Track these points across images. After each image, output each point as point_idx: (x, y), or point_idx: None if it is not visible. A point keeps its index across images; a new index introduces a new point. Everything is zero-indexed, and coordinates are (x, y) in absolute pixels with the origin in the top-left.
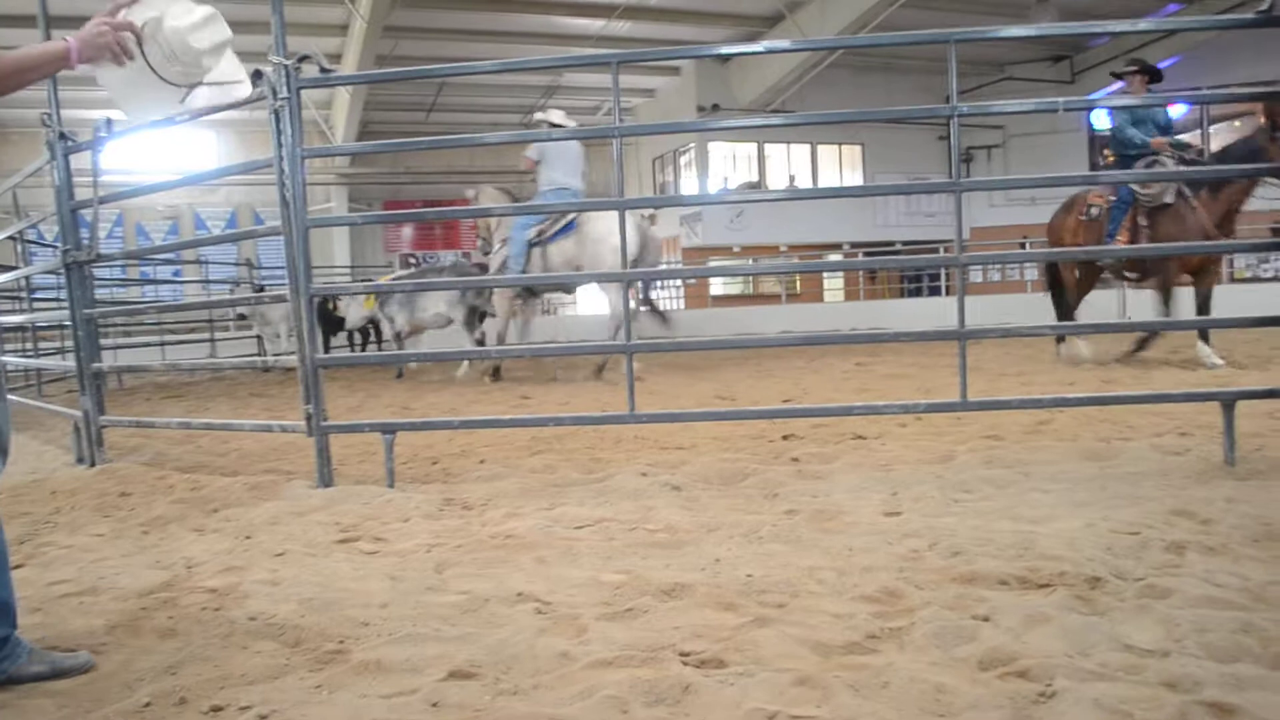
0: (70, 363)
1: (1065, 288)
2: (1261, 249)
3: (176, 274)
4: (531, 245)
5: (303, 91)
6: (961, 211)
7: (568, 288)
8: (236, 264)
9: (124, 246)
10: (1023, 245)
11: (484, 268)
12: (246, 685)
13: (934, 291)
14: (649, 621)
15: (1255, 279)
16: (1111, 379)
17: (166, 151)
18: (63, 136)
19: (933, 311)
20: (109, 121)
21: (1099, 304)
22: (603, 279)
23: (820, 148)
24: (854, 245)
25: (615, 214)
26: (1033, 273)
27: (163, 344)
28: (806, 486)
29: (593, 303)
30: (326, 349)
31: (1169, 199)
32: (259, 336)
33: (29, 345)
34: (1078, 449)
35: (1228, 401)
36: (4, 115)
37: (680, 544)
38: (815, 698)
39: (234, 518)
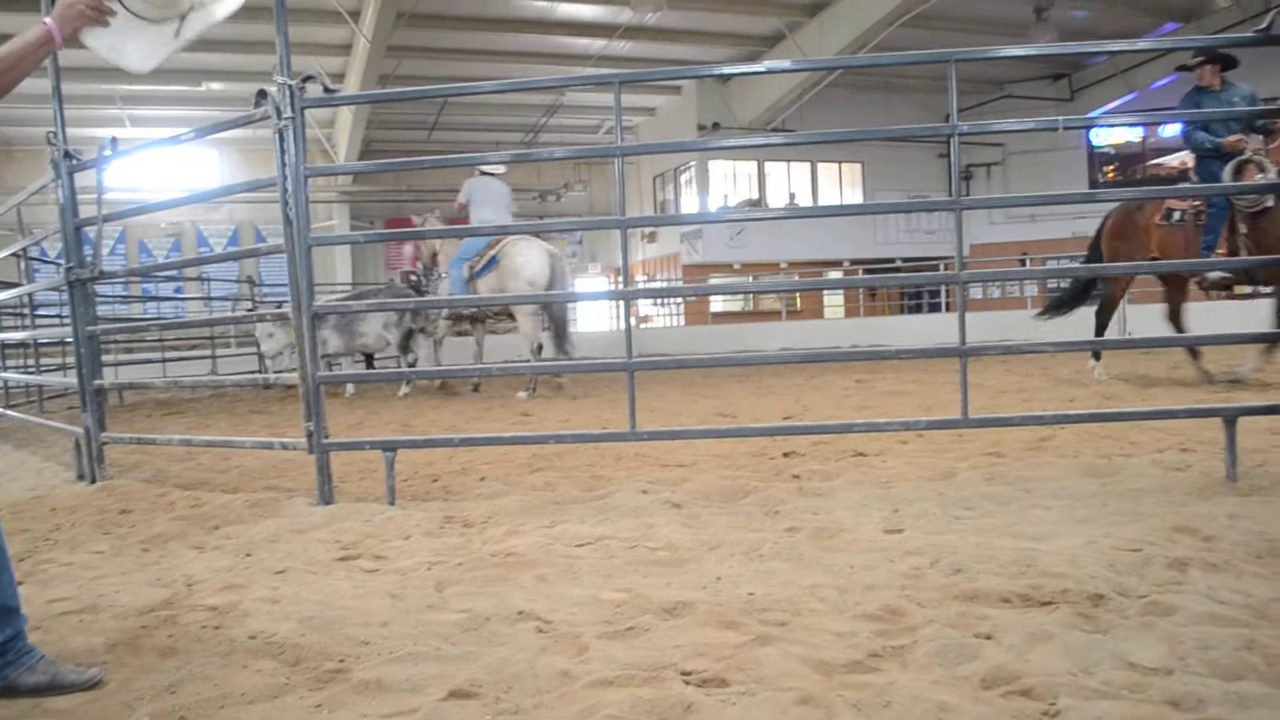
0: (72, 379)
1: (1110, 300)
2: None
3: (178, 291)
4: (466, 279)
5: (306, 111)
6: (962, 229)
7: (504, 313)
8: (238, 281)
9: (126, 263)
10: (1023, 262)
11: (417, 289)
12: (247, 704)
13: (934, 308)
14: (650, 640)
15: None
16: (1112, 395)
17: (170, 169)
18: (68, 155)
19: (933, 328)
20: (114, 140)
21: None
22: (605, 297)
23: (820, 166)
24: (854, 262)
25: (530, 250)
26: (1033, 289)
27: (164, 360)
28: (808, 504)
29: (590, 322)
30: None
31: (1270, 203)
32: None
33: (31, 362)
34: (1079, 465)
35: (1229, 417)
36: (9, 133)
37: (681, 562)
38: (818, 717)
39: (234, 535)
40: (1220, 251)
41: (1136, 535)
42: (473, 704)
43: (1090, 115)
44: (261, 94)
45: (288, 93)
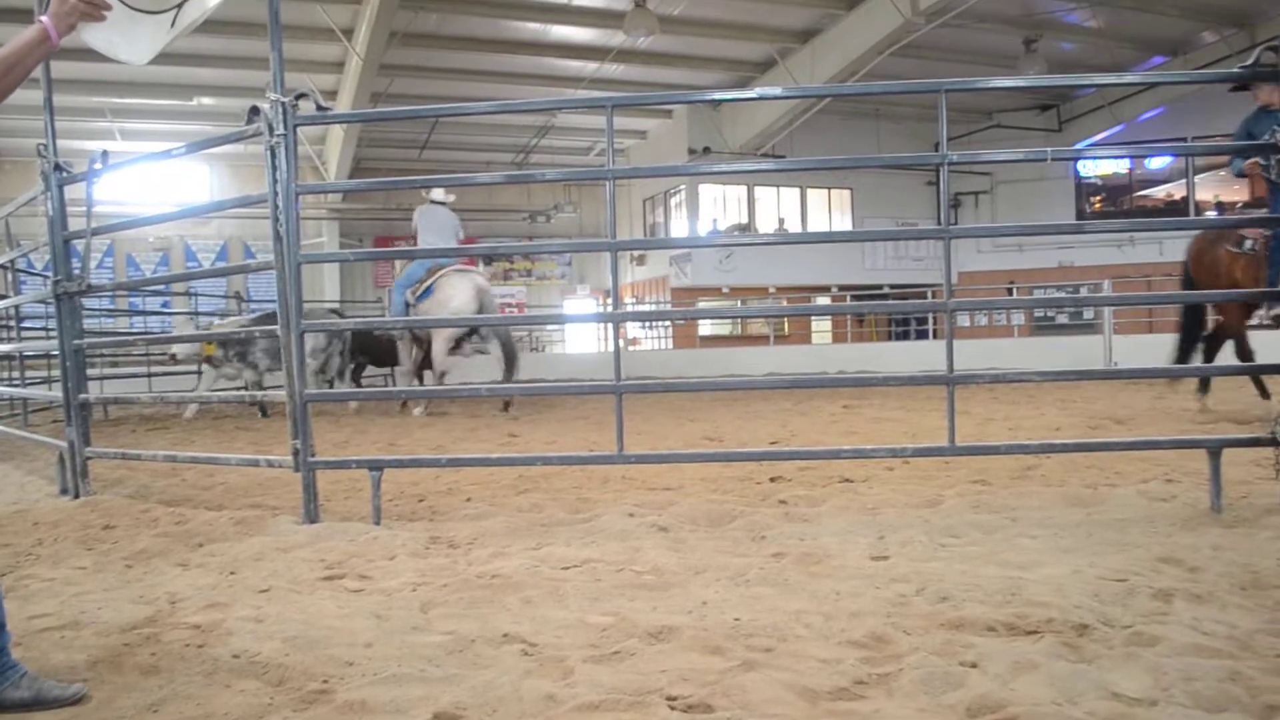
0: (57, 393)
1: (1223, 329)
2: None
3: (165, 305)
4: (407, 304)
5: (298, 128)
6: (950, 257)
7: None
8: (225, 297)
9: (114, 277)
10: (1010, 291)
11: (338, 313)
12: None
13: (922, 335)
14: (636, 664)
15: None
16: (1099, 425)
17: (160, 184)
18: (58, 168)
19: (920, 355)
20: (104, 154)
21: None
22: (593, 320)
23: (810, 191)
24: (842, 288)
25: (460, 282)
26: (1019, 318)
27: (149, 375)
28: (794, 529)
29: (578, 343)
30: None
31: None
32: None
33: (16, 374)
34: (1065, 495)
35: (1214, 449)
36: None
37: (667, 586)
38: None
39: (218, 553)
40: None
41: (1121, 565)
42: None
43: (1078, 146)
44: (254, 110)
45: (280, 110)
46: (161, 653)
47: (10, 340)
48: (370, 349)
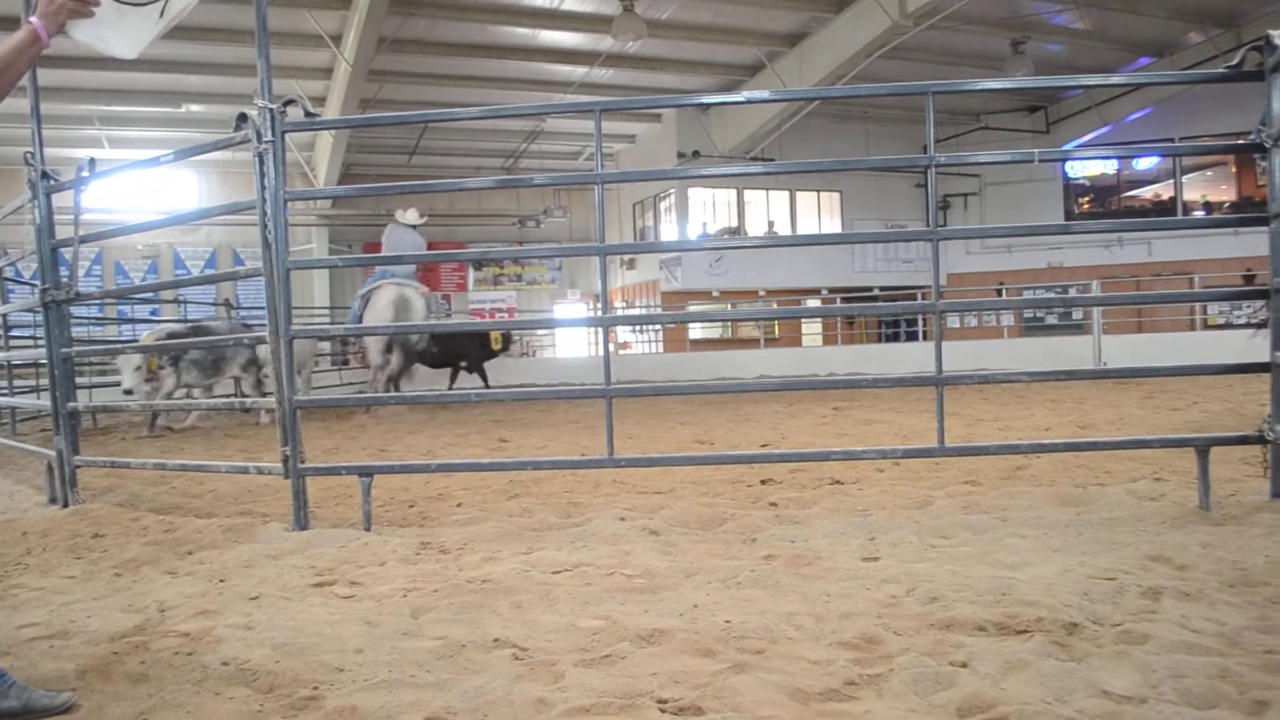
0: (45, 402)
1: None
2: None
3: (154, 313)
4: (359, 315)
5: (286, 134)
6: (939, 259)
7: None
8: (215, 304)
9: (103, 285)
10: (999, 292)
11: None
12: None
13: (911, 336)
14: (626, 668)
15: (1228, 325)
16: (1088, 424)
17: (148, 191)
18: (45, 175)
19: (910, 356)
20: (92, 161)
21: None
22: (583, 324)
23: (799, 194)
24: (832, 290)
25: (385, 292)
26: (1009, 319)
27: None
28: (784, 531)
29: (568, 348)
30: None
31: None
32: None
33: (4, 383)
34: (1054, 494)
35: (1202, 447)
36: None
37: (658, 589)
38: None
39: (208, 560)
40: None
41: (1111, 564)
42: None
43: (1066, 147)
44: (242, 117)
45: (268, 116)
46: (151, 661)
47: None
48: (438, 350)
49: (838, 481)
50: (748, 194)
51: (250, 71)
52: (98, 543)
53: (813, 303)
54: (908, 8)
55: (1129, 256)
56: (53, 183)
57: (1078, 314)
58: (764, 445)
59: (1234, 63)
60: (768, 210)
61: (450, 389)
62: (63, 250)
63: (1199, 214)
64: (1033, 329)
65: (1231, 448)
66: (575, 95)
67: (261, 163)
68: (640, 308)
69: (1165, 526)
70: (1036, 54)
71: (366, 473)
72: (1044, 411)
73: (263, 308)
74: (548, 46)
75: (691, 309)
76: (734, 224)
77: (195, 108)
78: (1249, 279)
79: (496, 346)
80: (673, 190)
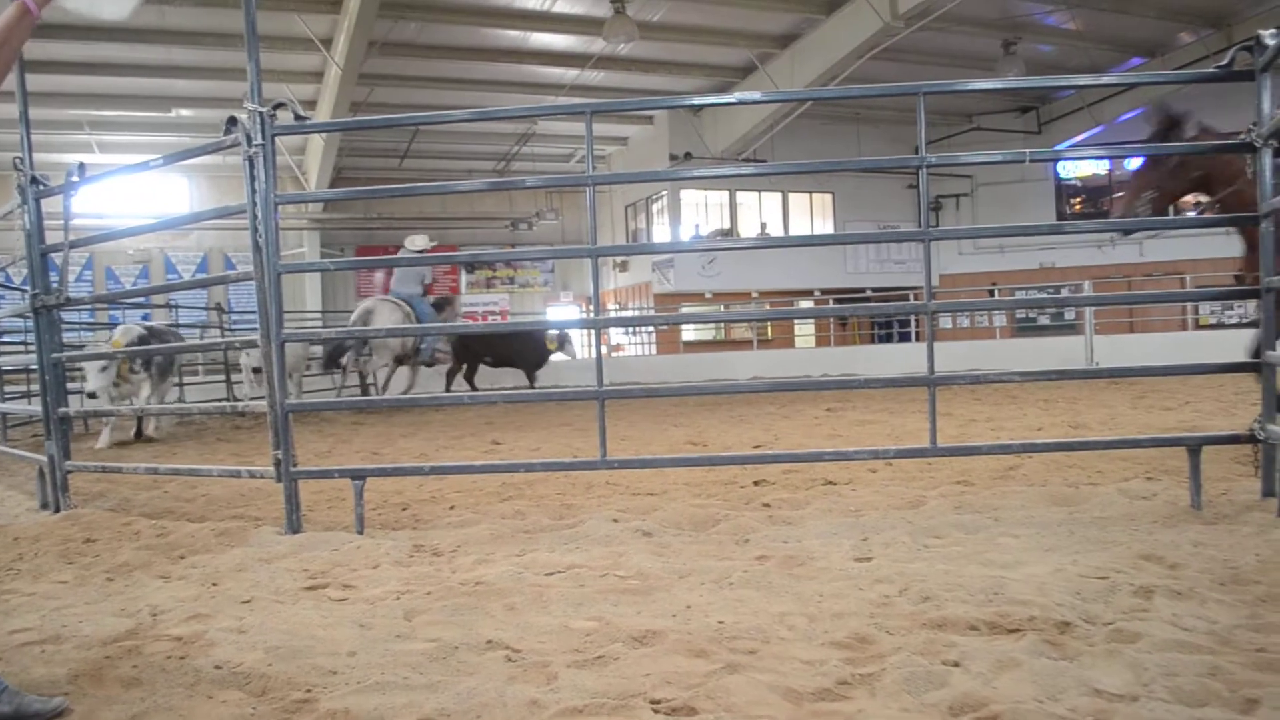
0: (36, 407)
1: None
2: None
3: (145, 318)
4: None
5: (277, 138)
6: (931, 259)
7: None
8: (206, 308)
9: (93, 289)
10: (991, 293)
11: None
12: None
13: (904, 337)
14: (619, 669)
15: (1220, 325)
16: (1080, 424)
17: (138, 195)
18: (34, 180)
19: (903, 357)
20: (81, 166)
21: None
22: (575, 326)
23: (791, 196)
24: (825, 291)
25: (364, 304)
26: (1001, 319)
27: None
28: (777, 532)
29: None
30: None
31: None
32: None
33: None
34: (1046, 494)
35: (1194, 447)
36: None
37: (651, 590)
38: None
39: (200, 564)
40: None
41: (1103, 563)
42: None
43: (1057, 148)
44: (232, 121)
45: (258, 120)
46: (143, 665)
47: None
48: (492, 350)
49: (830, 482)
50: (740, 195)
51: (240, 75)
52: (90, 547)
53: (805, 304)
54: (899, 9)
55: (1120, 257)
56: (42, 188)
57: (1070, 314)
58: (757, 446)
59: (1224, 63)
60: (760, 212)
61: (447, 391)
62: (53, 255)
63: (1190, 214)
64: (1025, 329)
65: (1223, 447)
66: (567, 97)
67: (252, 166)
68: (633, 310)
69: (1157, 525)
70: (1028, 55)
71: (359, 476)
72: (1036, 411)
73: (254, 311)
74: (539, 49)
75: (684, 310)
76: (726, 225)
77: (185, 112)
78: (1239, 279)
79: (552, 346)
80: (665, 192)
